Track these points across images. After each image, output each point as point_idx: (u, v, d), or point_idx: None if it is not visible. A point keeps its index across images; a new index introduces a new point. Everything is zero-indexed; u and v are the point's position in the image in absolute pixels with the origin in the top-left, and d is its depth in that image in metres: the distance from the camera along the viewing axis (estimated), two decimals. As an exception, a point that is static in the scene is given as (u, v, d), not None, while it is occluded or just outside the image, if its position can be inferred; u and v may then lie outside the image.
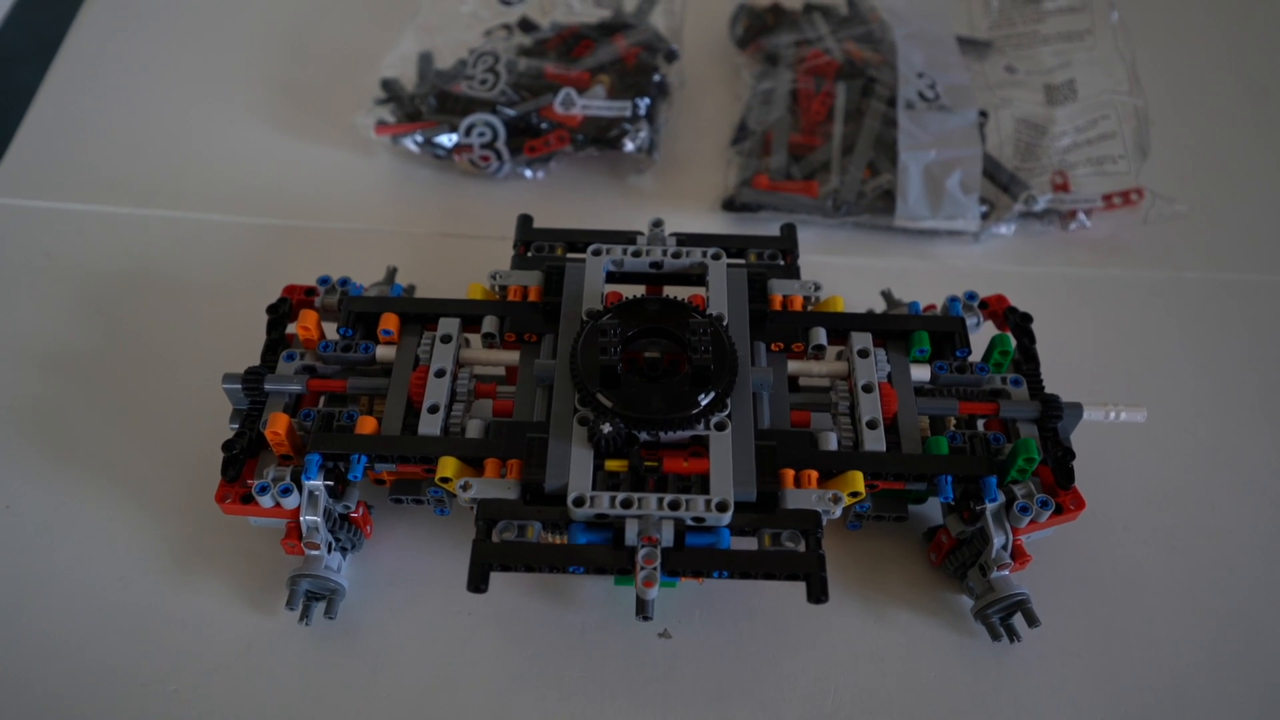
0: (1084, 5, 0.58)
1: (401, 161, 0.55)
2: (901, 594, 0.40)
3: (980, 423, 0.42)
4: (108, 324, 0.48)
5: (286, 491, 0.37)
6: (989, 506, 0.38)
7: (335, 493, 0.38)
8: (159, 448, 0.44)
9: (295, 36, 0.61)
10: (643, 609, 0.36)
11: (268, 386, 0.40)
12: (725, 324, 0.40)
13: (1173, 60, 0.60)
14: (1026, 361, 0.42)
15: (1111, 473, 0.44)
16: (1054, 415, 0.40)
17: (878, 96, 0.54)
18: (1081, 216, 0.51)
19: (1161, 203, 0.51)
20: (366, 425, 0.39)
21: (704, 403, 0.37)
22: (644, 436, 0.37)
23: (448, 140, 0.53)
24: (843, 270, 0.51)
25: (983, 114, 0.54)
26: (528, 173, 0.54)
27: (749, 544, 0.36)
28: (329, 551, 0.38)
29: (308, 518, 0.37)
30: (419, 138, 0.53)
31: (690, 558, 0.35)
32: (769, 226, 0.52)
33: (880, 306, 0.47)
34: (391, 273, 0.47)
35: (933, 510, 0.42)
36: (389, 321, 0.41)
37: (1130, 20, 0.58)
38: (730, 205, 0.53)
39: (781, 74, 0.56)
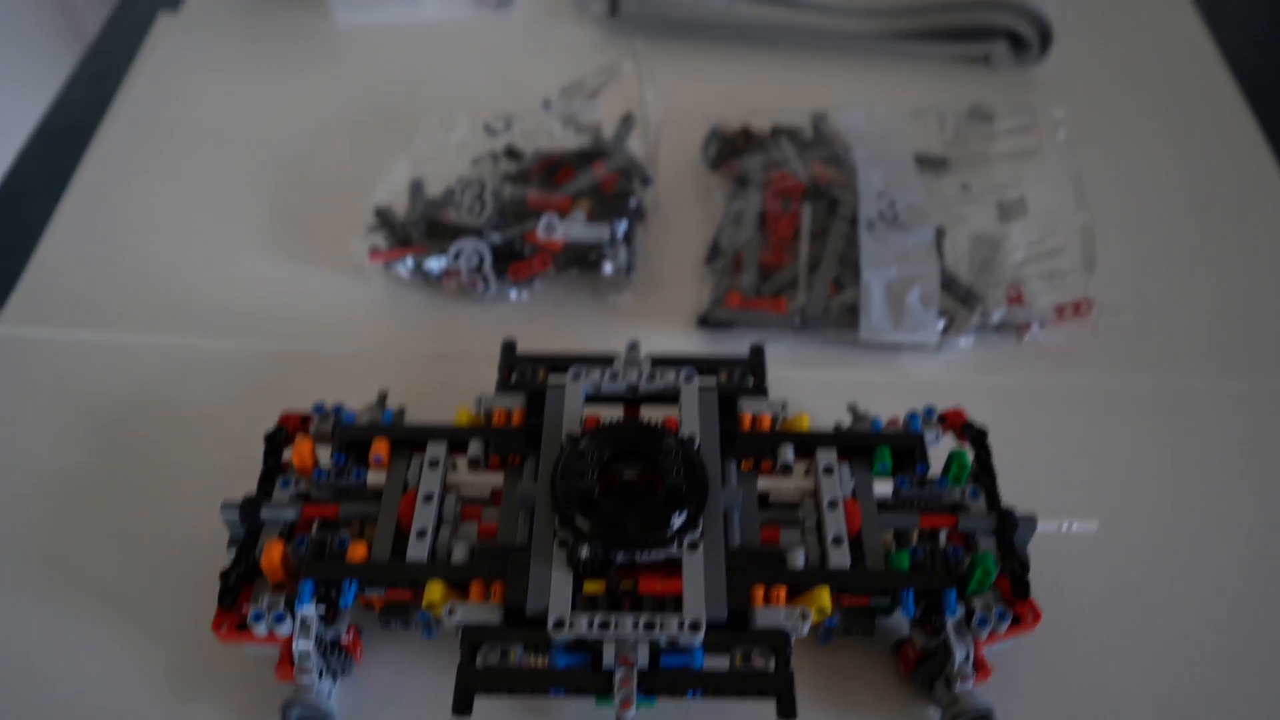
0: (1031, 125, 0.62)
1: (394, 285, 0.58)
2: (872, 706, 0.42)
3: (943, 534, 0.44)
4: (113, 450, 0.51)
5: (280, 619, 0.39)
6: (949, 620, 0.40)
7: (327, 618, 0.40)
8: (159, 573, 0.46)
9: (295, 166, 0.65)
10: (623, 728, 0.37)
11: (263, 515, 0.43)
12: (697, 445, 0.43)
13: (1116, 176, 0.63)
14: (984, 474, 0.45)
15: (1071, 580, 0.46)
16: (1010, 527, 0.42)
17: (841, 216, 0.57)
18: (1035, 327, 0.54)
19: (1109, 313, 0.54)
20: (357, 551, 0.41)
21: (677, 524, 0.39)
22: (621, 557, 0.39)
23: (437, 265, 0.56)
24: (812, 383, 0.53)
25: (940, 231, 0.57)
26: (513, 294, 0.57)
27: (722, 660, 0.38)
28: (320, 677, 0.40)
29: (300, 645, 0.39)
30: (410, 263, 0.56)
31: (665, 679, 0.37)
32: (742, 342, 0.55)
33: (848, 419, 0.49)
34: (383, 396, 0.49)
35: (902, 621, 0.44)
36: (379, 448, 0.44)
37: (1075, 139, 0.62)
38: (705, 322, 0.55)
39: (751, 195, 0.59)
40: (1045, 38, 0.69)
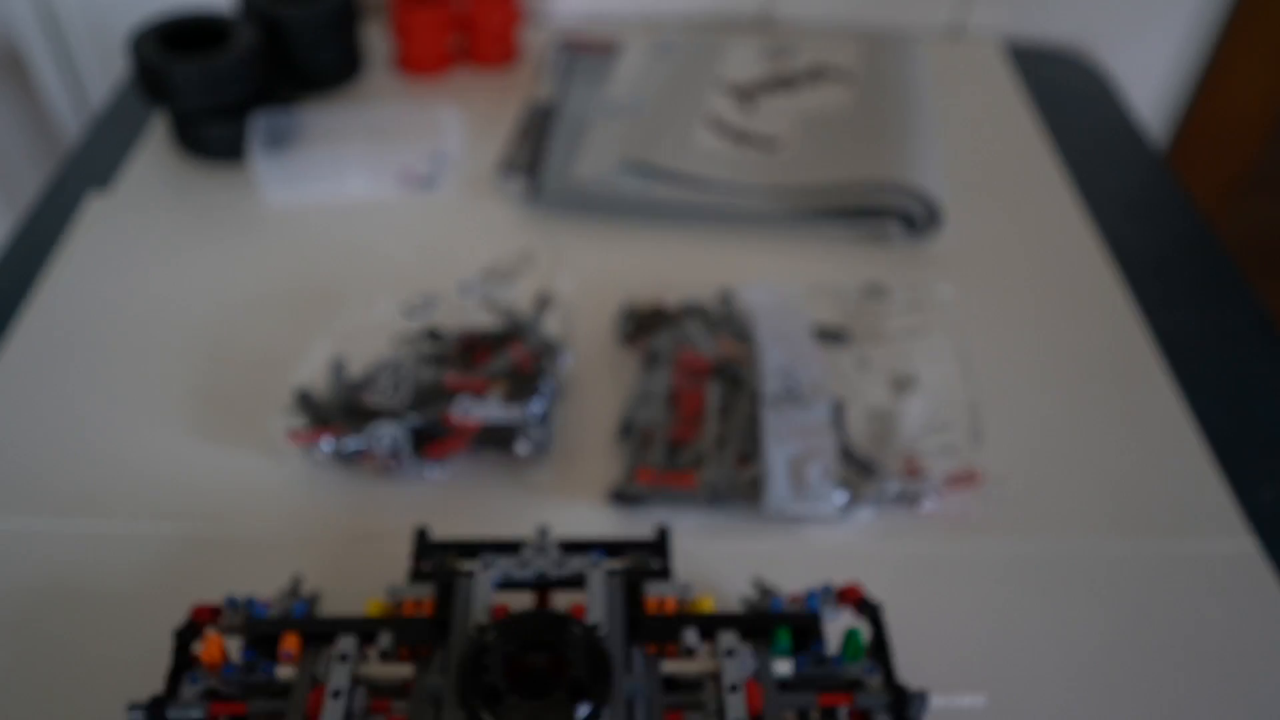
0: (922, 303, 0.66)
1: (311, 465, 0.59)
2: None
3: (843, 712, 0.45)
4: (17, 644, 0.50)
5: (181, 829, 0.39)
6: (846, 804, 0.41)
7: (230, 825, 0.40)
8: (60, 778, 0.45)
9: (217, 344, 0.67)
10: None
11: (170, 715, 0.43)
12: (603, 633, 0.44)
13: (1001, 349, 0.68)
14: (879, 649, 0.47)
15: (967, 751, 0.47)
16: (904, 704, 0.44)
17: (745, 393, 0.60)
18: (930, 497, 0.57)
19: (997, 483, 0.57)
20: (263, 753, 0.41)
21: (581, 716, 0.40)
22: (526, 753, 0.40)
23: (354, 446, 0.57)
24: (720, 555, 0.55)
25: (839, 405, 0.60)
26: (430, 472, 0.59)
27: None
28: None
29: None
30: (327, 444, 0.58)
31: None
32: (653, 516, 0.57)
33: (754, 592, 0.51)
34: (296, 584, 0.50)
35: (804, 801, 0.45)
36: (289, 642, 0.44)
37: (963, 314, 0.67)
38: (617, 497, 0.57)
39: (661, 372, 0.62)
40: (935, 217, 0.74)
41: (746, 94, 0.89)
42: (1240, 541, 0.57)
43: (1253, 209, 1.12)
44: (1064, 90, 0.98)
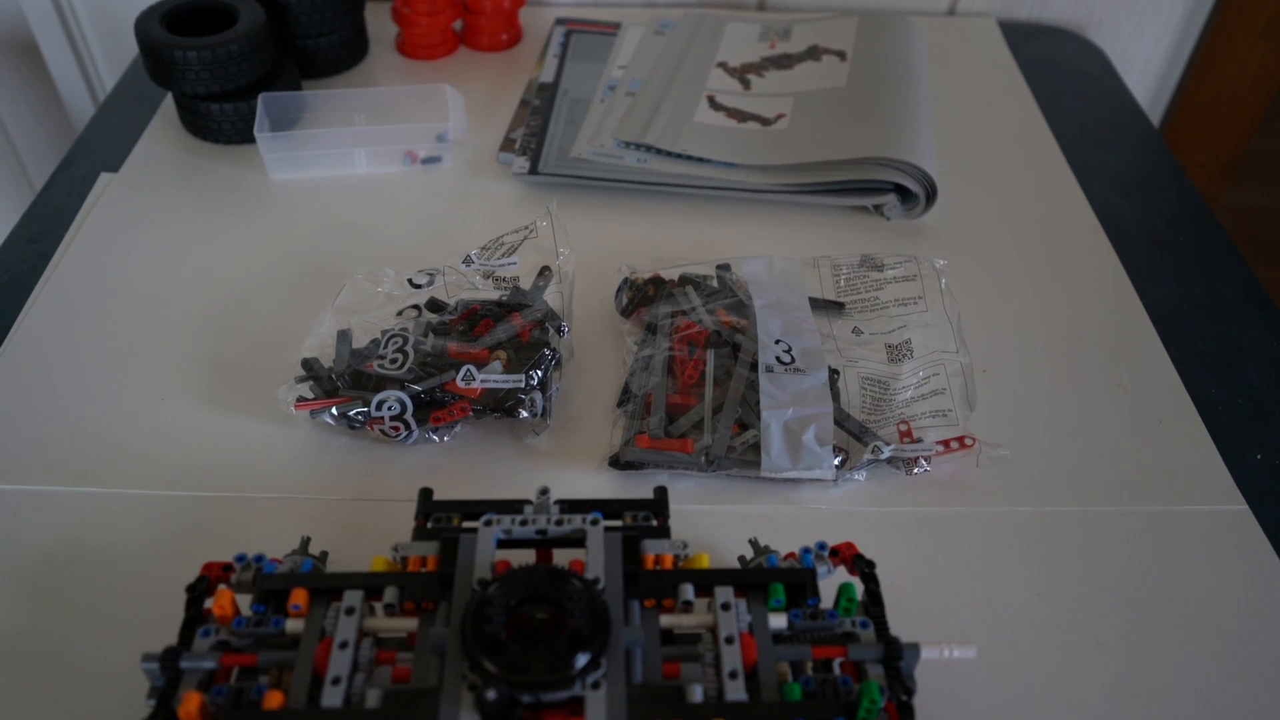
0: (916, 274, 0.67)
1: (319, 431, 0.61)
2: (769, 835, 0.44)
3: (837, 664, 0.47)
4: (36, 603, 0.52)
5: (197, 770, 0.40)
6: (837, 749, 0.42)
7: (243, 768, 0.41)
8: (78, 727, 0.47)
9: (228, 318, 0.68)
10: None
11: (183, 665, 0.44)
12: (601, 587, 0.45)
13: (995, 319, 0.69)
14: (873, 604, 0.48)
15: (958, 703, 0.49)
16: (896, 656, 0.45)
17: (742, 361, 0.61)
18: (923, 461, 0.58)
19: (989, 447, 0.58)
20: (273, 699, 0.42)
21: (580, 664, 0.42)
22: (526, 698, 0.41)
23: (360, 414, 0.59)
24: (719, 517, 0.57)
25: (834, 372, 0.62)
26: (435, 437, 0.60)
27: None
28: (234, 828, 0.41)
29: (215, 796, 0.40)
30: (335, 411, 0.59)
31: (565, 817, 0.39)
32: (652, 481, 0.58)
33: (750, 551, 0.52)
34: (305, 543, 0.51)
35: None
36: (298, 597, 0.46)
37: (956, 284, 0.68)
38: (616, 463, 0.59)
39: (660, 342, 0.63)
40: (931, 191, 0.75)
41: (744, 73, 0.89)
42: (1233, 506, 0.58)
43: (1240, 195, 1.13)
44: (1061, 66, 0.99)
